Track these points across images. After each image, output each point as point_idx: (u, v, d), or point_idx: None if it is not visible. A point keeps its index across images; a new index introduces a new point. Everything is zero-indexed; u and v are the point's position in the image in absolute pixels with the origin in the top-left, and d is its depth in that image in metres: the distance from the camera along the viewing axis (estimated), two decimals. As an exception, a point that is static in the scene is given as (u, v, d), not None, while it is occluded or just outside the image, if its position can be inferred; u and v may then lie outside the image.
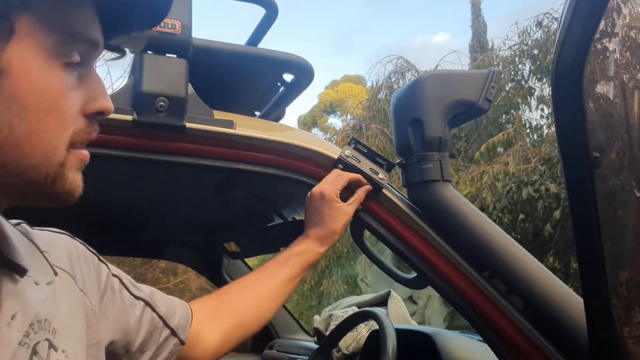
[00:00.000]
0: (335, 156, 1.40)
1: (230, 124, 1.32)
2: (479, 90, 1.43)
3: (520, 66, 10.41)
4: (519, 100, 10.22)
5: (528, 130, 10.72)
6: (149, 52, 1.29)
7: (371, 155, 1.44)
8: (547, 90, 9.92)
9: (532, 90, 10.09)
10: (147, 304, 0.97)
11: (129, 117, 1.25)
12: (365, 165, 1.41)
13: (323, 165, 1.41)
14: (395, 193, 1.45)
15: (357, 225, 1.51)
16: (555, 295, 1.33)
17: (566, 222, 7.88)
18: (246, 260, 2.98)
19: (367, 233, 1.52)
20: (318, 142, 1.44)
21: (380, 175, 1.41)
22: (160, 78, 1.27)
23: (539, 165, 8.08)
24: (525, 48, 10.30)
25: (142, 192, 1.83)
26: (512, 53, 10.48)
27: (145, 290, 1.00)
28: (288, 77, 1.55)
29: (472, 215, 1.39)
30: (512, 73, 10.35)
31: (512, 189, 7.85)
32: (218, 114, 1.34)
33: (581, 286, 1.09)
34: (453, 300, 1.44)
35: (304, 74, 1.46)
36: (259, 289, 1.19)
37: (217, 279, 2.89)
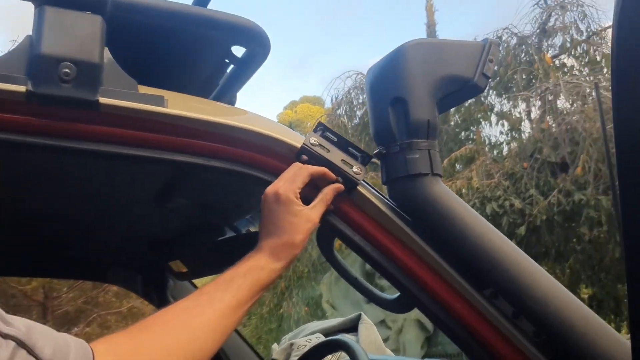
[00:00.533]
0: (298, 145, 1.11)
1: (160, 100, 1.01)
2: (473, 64, 1.16)
3: (480, 82, 10.35)
4: (479, 116, 10.17)
5: (487, 148, 10.67)
6: (53, 4, 0.98)
7: (343, 144, 1.15)
8: (507, 106, 9.89)
9: (492, 106, 10.06)
10: (21, 344, 0.65)
11: (22, 88, 0.93)
12: (336, 156, 1.12)
13: (282, 156, 1.11)
14: (373, 192, 1.16)
15: (325, 233, 1.21)
16: (576, 320, 1.06)
17: (531, 238, 7.77)
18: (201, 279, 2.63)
19: (338, 242, 1.22)
20: (277, 127, 1.14)
21: (355, 169, 1.12)
22: (66, 38, 0.96)
23: (503, 181, 7.97)
24: (484, 64, 10.25)
25: (47, 194, 1.47)
26: (472, 69, 10.46)
27: (19, 325, 0.67)
28: (239, 53, 1.25)
29: (470, 218, 1.11)
30: (472, 89, 10.31)
31: (476, 204, 7.69)
32: (145, 89, 1.03)
33: (630, 318, 0.81)
34: (446, 326, 1.15)
35: (258, 45, 1.17)
36: (191, 323, 0.87)
37: (163, 304, 2.53)
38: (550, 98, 8.09)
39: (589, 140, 7.26)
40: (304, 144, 1.11)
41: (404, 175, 1.11)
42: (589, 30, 9.59)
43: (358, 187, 1.13)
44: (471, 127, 10.78)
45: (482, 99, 10.31)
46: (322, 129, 1.16)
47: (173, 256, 2.37)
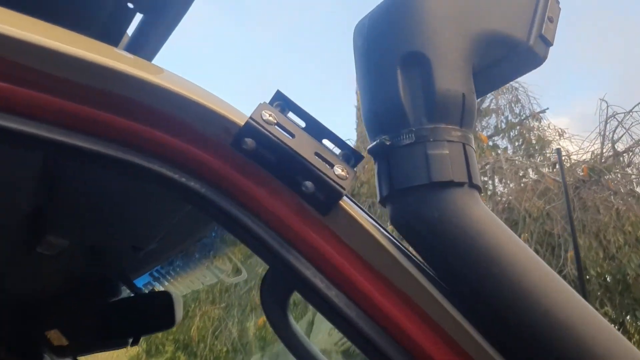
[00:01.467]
0: (241, 121, 0.63)
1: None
2: (525, 20, 0.73)
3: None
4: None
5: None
6: None
7: (317, 130, 0.68)
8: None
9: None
10: None
11: None
12: (306, 145, 0.64)
13: (211, 140, 0.62)
14: (361, 212, 0.68)
15: (275, 285, 0.72)
16: None
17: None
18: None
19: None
20: (205, 93, 0.66)
21: (337, 170, 0.64)
22: None
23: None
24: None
25: None
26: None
27: None
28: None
29: (531, 264, 0.64)
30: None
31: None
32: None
33: None
34: None
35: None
36: None
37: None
38: (488, 176, 7.98)
39: (529, 220, 7.10)
40: (251, 118, 0.63)
41: (423, 183, 0.64)
42: (522, 113, 9.74)
43: (340, 203, 0.65)
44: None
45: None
46: (282, 102, 0.68)
47: (50, 324, 1.76)
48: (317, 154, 0.65)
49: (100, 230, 1.14)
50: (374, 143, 0.68)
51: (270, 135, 0.63)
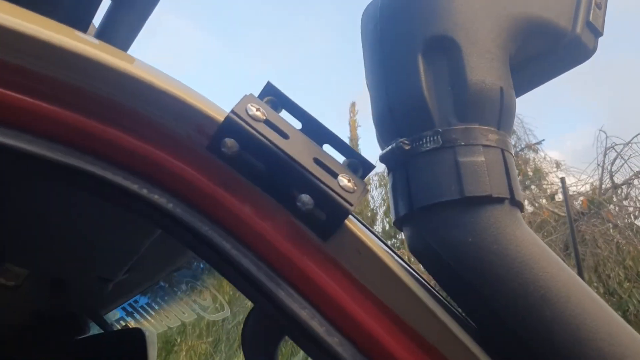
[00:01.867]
0: (221, 117, 0.49)
1: None
2: (570, 6, 0.61)
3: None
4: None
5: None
6: None
7: (317, 132, 0.54)
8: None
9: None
10: None
11: None
12: (304, 150, 0.50)
13: (185, 141, 0.49)
14: (369, 234, 0.54)
15: (259, 328, 0.57)
16: None
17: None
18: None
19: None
20: (177, 84, 0.52)
21: (343, 181, 0.50)
22: None
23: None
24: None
25: None
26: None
27: None
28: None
29: (595, 309, 0.50)
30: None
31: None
32: None
33: None
34: None
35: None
36: None
37: None
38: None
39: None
40: (233, 112, 0.49)
41: (453, 199, 0.50)
42: (517, 145, 9.67)
43: (346, 223, 0.50)
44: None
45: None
46: (274, 97, 0.55)
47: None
48: (316, 161, 0.51)
49: (61, 258, 0.99)
50: (388, 148, 0.54)
51: (257, 134, 0.49)
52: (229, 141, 0.49)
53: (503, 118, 0.53)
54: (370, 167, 0.56)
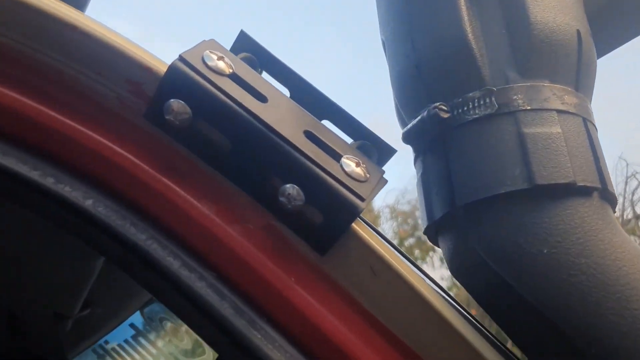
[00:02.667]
0: (163, 67, 0.31)
1: None
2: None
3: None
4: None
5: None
6: None
7: (313, 101, 0.37)
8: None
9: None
10: None
11: None
12: (290, 120, 0.33)
13: (111, 105, 0.32)
14: (381, 240, 0.36)
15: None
16: None
17: None
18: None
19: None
20: (101, 28, 0.35)
21: (350, 166, 0.33)
22: None
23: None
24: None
25: None
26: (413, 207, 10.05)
27: None
28: None
29: None
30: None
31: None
32: None
33: None
34: None
35: None
36: None
37: None
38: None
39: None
40: (182, 58, 0.32)
41: (517, 189, 0.32)
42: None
43: (353, 228, 0.33)
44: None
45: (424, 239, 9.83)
46: (249, 51, 0.38)
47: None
48: (309, 135, 0.34)
49: (8, 290, 0.81)
50: (416, 120, 0.37)
51: (217, 93, 0.32)
52: (176, 104, 0.33)
53: (582, 74, 0.37)
54: (389, 151, 0.39)
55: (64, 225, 0.35)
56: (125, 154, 0.34)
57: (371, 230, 0.37)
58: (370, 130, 0.39)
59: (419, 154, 0.39)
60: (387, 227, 9.31)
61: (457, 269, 0.36)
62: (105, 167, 0.34)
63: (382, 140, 0.39)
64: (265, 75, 0.40)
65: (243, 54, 0.40)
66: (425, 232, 0.39)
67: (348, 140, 0.40)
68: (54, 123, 0.34)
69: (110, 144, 0.34)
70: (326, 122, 0.40)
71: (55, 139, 0.34)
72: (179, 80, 0.33)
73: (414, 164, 0.40)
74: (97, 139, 0.34)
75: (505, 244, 0.33)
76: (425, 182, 0.38)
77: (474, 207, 0.34)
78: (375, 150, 0.39)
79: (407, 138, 0.38)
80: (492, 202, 0.33)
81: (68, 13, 0.33)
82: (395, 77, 0.40)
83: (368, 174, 0.34)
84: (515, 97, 0.34)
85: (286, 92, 0.40)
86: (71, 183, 0.33)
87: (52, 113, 0.34)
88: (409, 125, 0.38)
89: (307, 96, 0.40)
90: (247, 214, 0.35)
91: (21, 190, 0.33)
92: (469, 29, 0.36)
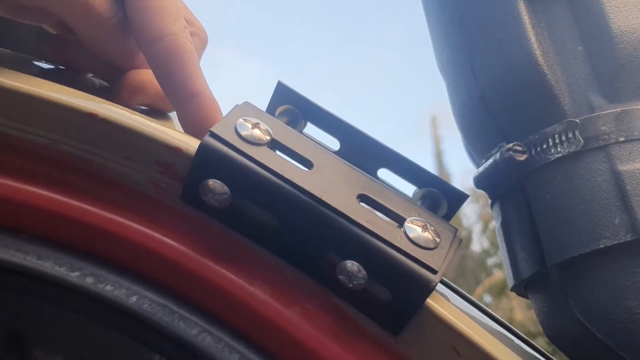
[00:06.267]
0: (194, 145, 0.28)
1: None
2: None
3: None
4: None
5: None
6: None
7: (366, 152, 0.33)
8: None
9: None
10: None
11: None
12: (341, 184, 0.29)
13: (147, 191, 0.29)
14: (467, 307, 0.31)
15: None
16: None
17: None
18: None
19: None
20: (122, 111, 0.32)
21: (417, 231, 0.29)
22: None
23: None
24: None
25: None
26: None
27: None
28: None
29: None
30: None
31: (518, 343, 6.58)
32: None
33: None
34: None
35: None
36: None
37: None
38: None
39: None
40: (212, 134, 0.29)
41: (617, 242, 0.27)
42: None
43: (429, 304, 0.29)
44: (499, 253, 9.90)
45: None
46: (291, 103, 0.35)
47: None
48: (364, 199, 0.31)
49: None
50: (488, 163, 0.33)
51: (254, 168, 0.29)
52: (212, 183, 0.30)
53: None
54: (460, 197, 0.35)
55: (110, 325, 0.33)
56: (165, 240, 0.32)
57: (449, 298, 0.32)
58: (436, 176, 0.35)
59: (495, 199, 0.34)
60: (470, 211, 9.14)
61: (554, 335, 0.32)
62: (146, 257, 0.32)
63: (451, 186, 0.35)
64: (310, 127, 0.37)
65: (283, 107, 0.36)
66: (512, 290, 0.34)
67: (411, 188, 0.36)
68: (86, 217, 0.32)
69: (148, 231, 0.32)
70: (384, 171, 0.36)
71: (88, 233, 0.32)
72: (211, 159, 0.30)
73: (491, 208, 0.35)
74: (133, 227, 0.32)
75: (611, 309, 0.28)
76: (507, 232, 0.33)
77: (569, 266, 0.29)
78: (443, 198, 0.35)
79: (479, 184, 0.34)
80: (590, 259, 0.29)
81: (86, 102, 0.30)
82: (457, 110, 0.36)
83: (438, 237, 0.30)
84: (603, 127, 0.29)
85: (335, 143, 0.37)
86: (112, 280, 0.31)
87: (84, 206, 0.32)
88: (481, 170, 0.33)
89: (359, 145, 0.36)
90: (305, 294, 0.31)
91: (62, 294, 0.32)
92: (538, 51, 0.31)
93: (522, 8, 0.32)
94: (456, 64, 0.35)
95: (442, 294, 0.32)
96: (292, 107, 0.37)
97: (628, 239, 0.27)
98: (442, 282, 0.37)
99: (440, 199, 0.35)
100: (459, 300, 0.36)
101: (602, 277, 0.28)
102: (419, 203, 0.35)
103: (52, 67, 0.41)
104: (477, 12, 0.34)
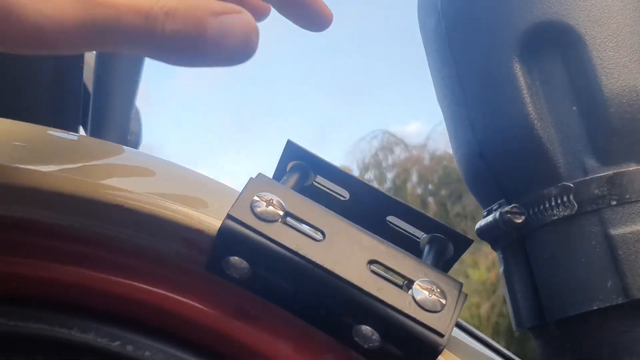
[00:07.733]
0: (215, 225, 0.31)
1: None
2: None
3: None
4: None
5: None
6: None
7: (373, 201, 0.35)
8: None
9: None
10: None
11: None
12: (351, 252, 0.32)
13: (173, 260, 0.31)
14: (479, 351, 0.35)
15: None
16: None
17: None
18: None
19: None
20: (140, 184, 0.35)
21: (423, 294, 0.31)
22: None
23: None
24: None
25: None
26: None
27: None
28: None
29: None
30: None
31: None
32: None
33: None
34: None
35: None
36: None
37: None
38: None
39: None
40: (230, 216, 0.32)
41: (610, 305, 0.30)
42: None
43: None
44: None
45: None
46: (300, 158, 0.37)
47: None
48: (373, 265, 0.33)
49: None
50: (489, 220, 0.35)
51: (271, 246, 0.32)
52: (233, 259, 0.33)
53: None
54: (464, 242, 0.37)
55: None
56: (195, 304, 0.35)
57: (464, 344, 0.35)
58: (440, 222, 0.37)
59: (497, 249, 0.37)
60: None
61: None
62: (179, 321, 0.35)
63: (456, 232, 0.37)
64: (320, 179, 0.39)
65: (293, 163, 0.39)
66: (517, 329, 0.37)
67: (418, 234, 0.39)
68: (121, 288, 0.35)
69: (179, 298, 0.35)
70: (393, 219, 0.39)
71: (122, 302, 0.35)
72: (230, 240, 0.32)
73: (495, 251, 0.38)
74: (165, 294, 0.35)
75: (607, 364, 0.31)
76: (509, 281, 0.36)
77: (567, 322, 0.32)
78: (449, 243, 0.37)
79: (482, 235, 0.36)
80: (586, 319, 0.31)
81: (112, 192, 0.33)
82: (459, 159, 0.37)
83: (444, 298, 0.33)
84: (596, 191, 0.31)
85: (345, 193, 0.39)
86: (150, 346, 0.35)
87: (118, 279, 0.35)
88: (482, 223, 0.36)
89: (366, 195, 0.38)
90: (325, 350, 0.35)
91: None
92: (533, 114, 0.33)
93: (517, 68, 0.34)
94: (456, 116, 0.37)
95: (458, 342, 0.35)
96: (300, 162, 0.39)
97: (619, 302, 0.30)
98: (458, 325, 0.40)
99: (446, 242, 0.38)
100: (473, 344, 0.39)
101: (597, 335, 0.31)
102: (427, 247, 0.38)
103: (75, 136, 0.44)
104: (475, 69, 0.36)
